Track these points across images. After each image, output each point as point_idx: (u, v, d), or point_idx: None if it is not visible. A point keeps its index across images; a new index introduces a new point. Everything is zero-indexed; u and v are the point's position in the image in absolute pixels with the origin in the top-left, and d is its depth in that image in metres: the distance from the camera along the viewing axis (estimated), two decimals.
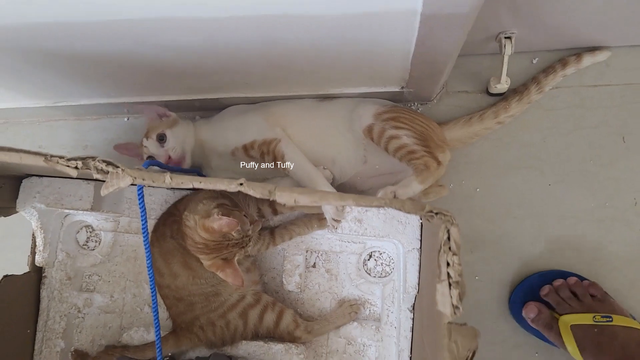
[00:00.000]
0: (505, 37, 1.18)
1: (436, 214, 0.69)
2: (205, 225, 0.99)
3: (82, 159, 0.74)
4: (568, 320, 1.14)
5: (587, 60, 1.26)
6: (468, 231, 1.31)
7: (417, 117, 1.19)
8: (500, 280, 1.29)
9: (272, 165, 1.22)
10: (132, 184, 0.78)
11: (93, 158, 0.74)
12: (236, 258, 1.05)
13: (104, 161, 0.74)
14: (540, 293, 1.20)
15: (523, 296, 1.24)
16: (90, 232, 1.33)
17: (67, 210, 1.25)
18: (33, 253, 1.26)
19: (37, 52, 1.02)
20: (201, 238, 1.01)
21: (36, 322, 1.25)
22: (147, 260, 0.96)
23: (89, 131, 1.51)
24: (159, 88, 1.28)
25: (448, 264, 0.67)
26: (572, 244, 1.27)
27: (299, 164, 1.19)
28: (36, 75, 1.17)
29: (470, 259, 1.30)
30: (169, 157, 1.24)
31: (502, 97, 1.30)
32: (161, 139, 1.24)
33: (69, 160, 0.74)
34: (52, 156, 0.75)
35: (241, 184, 0.72)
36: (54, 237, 1.28)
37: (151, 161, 1.03)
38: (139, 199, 0.88)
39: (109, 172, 0.73)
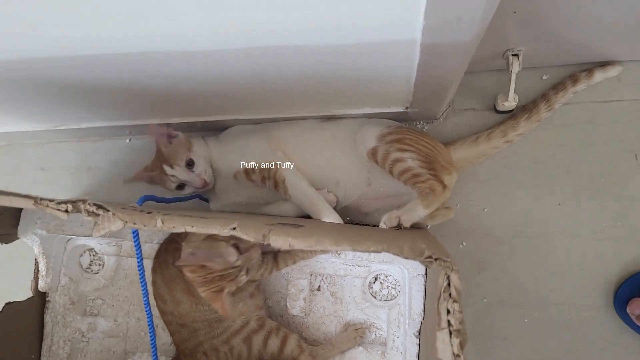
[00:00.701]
0: (513, 55, 1.15)
1: (435, 259, 0.66)
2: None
3: (73, 202, 0.73)
4: None
5: (599, 75, 1.22)
6: (476, 252, 1.28)
7: (423, 138, 1.16)
8: (510, 301, 1.26)
9: (273, 188, 1.20)
10: None
11: (84, 201, 0.73)
12: (226, 291, 1.02)
13: (94, 204, 0.72)
14: None
15: (630, 292, 1.20)
16: (94, 255, 1.32)
17: (69, 235, 1.24)
18: (36, 278, 1.25)
19: (37, 83, 1.02)
20: (189, 272, 1.00)
21: (40, 347, 1.25)
22: (144, 298, 0.94)
23: (91, 152, 1.50)
24: (160, 111, 1.26)
25: (448, 312, 0.64)
26: (581, 264, 1.24)
27: (300, 188, 1.17)
28: (36, 102, 1.16)
29: (478, 280, 1.27)
30: (205, 182, 1.20)
31: (511, 114, 1.26)
32: (190, 164, 1.19)
33: (59, 203, 0.73)
34: (41, 199, 0.74)
35: (234, 229, 0.70)
36: (57, 262, 1.27)
37: (146, 196, 1.00)
38: (135, 241, 0.86)
39: (99, 214, 0.72)
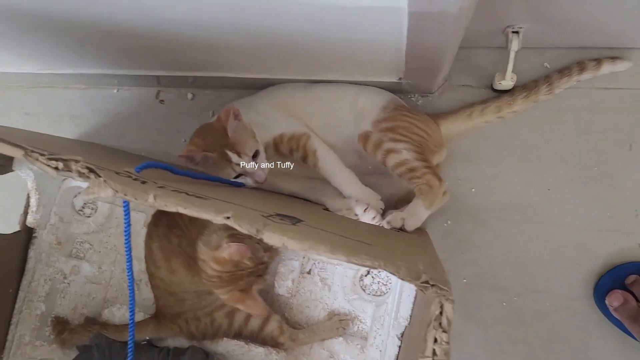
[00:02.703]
0: (513, 32, 1.11)
1: (432, 285, 0.64)
2: (216, 257, 0.95)
3: (64, 160, 0.70)
4: None
5: (607, 68, 1.17)
6: (460, 231, 1.27)
7: (415, 123, 1.13)
8: (490, 284, 1.25)
9: (301, 160, 1.16)
10: None
11: (76, 161, 0.70)
12: (254, 288, 1.02)
13: (87, 167, 0.70)
14: (625, 282, 1.15)
15: (611, 283, 1.17)
16: None
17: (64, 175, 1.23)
18: (25, 213, 1.26)
19: (24, 16, 0.99)
20: (214, 271, 0.98)
21: (20, 282, 1.25)
22: (129, 284, 0.92)
23: (77, 100, 1.48)
24: (150, 62, 1.25)
25: (435, 340, 0.62)
26: (566, 253, 1.22)
27: (331, 162, 1.14)
28: (18, 39, 1.13)
29: (460, 261, 1.26)
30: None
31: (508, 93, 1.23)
32: (255, 155, 1.06)
33: (49, 159, 0.70)
34: (32, 151, 0.71)
35: (228, 218, 0.67)
36: (50, 200, 1.27)
37: (148, 163, 0.88)
38: (125, 214, 0.83)
39: (90, 178, 0.69)
